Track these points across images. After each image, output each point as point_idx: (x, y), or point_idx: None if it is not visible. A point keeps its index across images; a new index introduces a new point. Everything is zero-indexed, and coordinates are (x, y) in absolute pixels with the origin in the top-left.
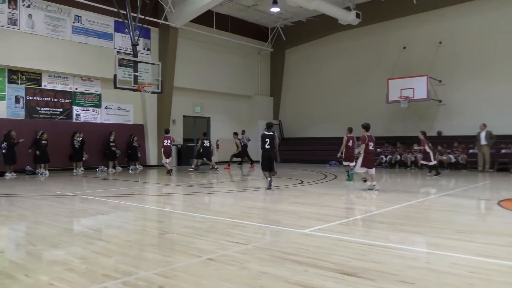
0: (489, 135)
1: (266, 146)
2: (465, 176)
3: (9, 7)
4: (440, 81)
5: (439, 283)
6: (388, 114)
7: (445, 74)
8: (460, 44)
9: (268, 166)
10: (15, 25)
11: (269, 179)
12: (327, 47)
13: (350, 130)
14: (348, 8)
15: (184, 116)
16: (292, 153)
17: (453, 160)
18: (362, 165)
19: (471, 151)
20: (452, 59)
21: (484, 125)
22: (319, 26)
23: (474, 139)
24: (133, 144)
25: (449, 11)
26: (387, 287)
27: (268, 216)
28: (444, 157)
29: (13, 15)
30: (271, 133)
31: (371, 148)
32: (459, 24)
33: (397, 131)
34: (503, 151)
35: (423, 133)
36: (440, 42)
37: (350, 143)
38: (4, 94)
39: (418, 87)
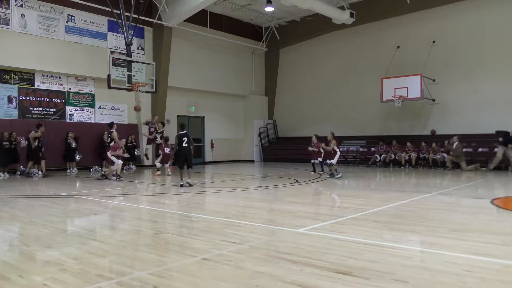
0: (458, 147)
1: (184, 144)
2: (458, 175)
3: (1, 7)
4: (433, 80)
5: (433, 281)
6: (382, 113)
7: (438, 73)
8: (453, 43)
9: (185, 163)
10: (8, 24)
11: (187, 176)
12: (322, 46)
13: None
14: (342, 8)
15: (178, 116)
16: (286, 152)
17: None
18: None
19: (464, 150)
20: (446, 58)
21: (457, 138)
22: (313, 26)
23: (467, 138)
24: (129, 143)
25: (443, 10)
26: (382, 286)
27: (263, 216)
28: (437, 156)
29: (5, 14)
30: (186, 131)
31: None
32: (452, 23)
33: (391, 130)
34: (495, 149)
35: (316, 136)
36: (434, 42)
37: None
38: None
39: (412, 86)
